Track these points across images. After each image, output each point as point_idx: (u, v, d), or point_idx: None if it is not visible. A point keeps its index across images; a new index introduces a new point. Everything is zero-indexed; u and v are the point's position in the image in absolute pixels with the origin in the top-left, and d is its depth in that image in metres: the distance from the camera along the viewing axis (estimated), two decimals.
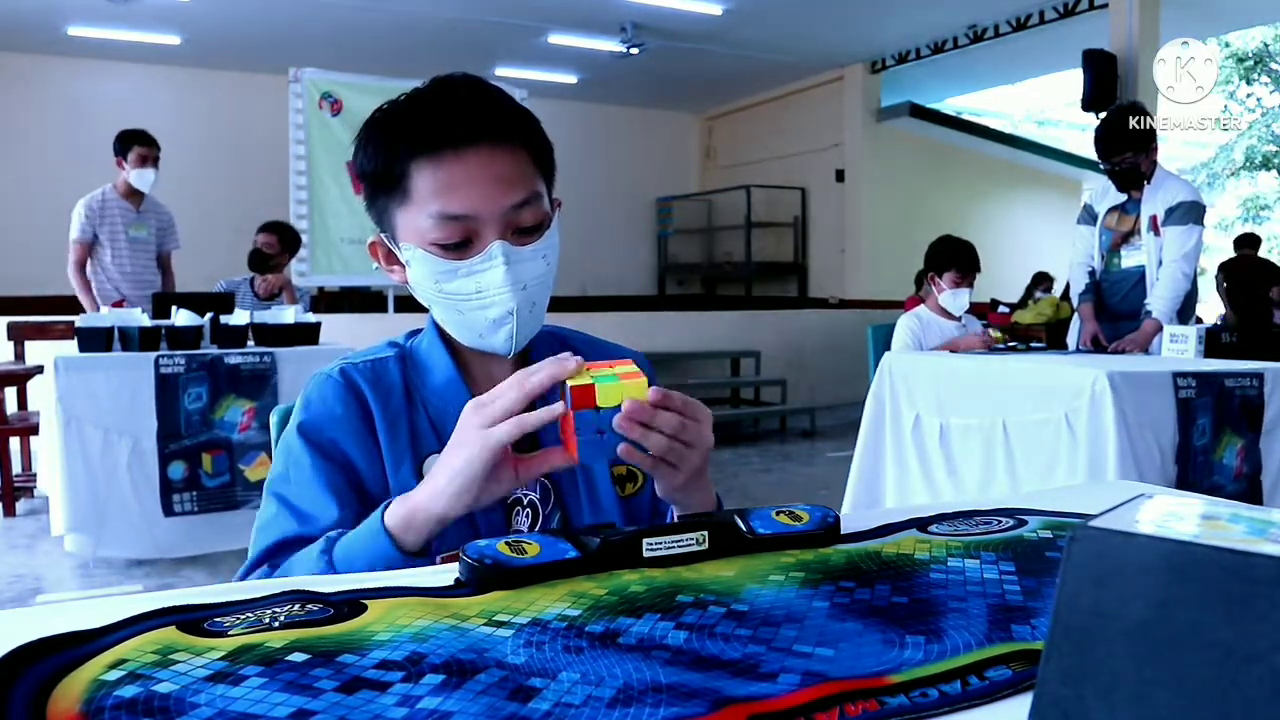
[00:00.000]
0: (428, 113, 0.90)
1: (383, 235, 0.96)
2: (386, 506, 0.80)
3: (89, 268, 4.55)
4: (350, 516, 0.88)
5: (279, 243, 4.60)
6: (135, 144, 4.40)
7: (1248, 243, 9.09)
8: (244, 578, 0.87)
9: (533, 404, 0.99)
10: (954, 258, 3.53)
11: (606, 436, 0.73)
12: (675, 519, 0.90)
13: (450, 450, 0.78)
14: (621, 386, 0.73)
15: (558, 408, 0.75)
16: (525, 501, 0.96)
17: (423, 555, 0.79)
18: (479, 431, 0.75)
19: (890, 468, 3.16)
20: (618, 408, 0.73)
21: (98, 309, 4.12)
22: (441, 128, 0.89)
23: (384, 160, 0.91)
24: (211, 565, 3.30)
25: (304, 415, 0.93)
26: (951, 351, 3.36)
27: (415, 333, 1.03)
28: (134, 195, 4.51)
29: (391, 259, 0.97)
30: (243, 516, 3.31)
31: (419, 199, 0.90)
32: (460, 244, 0.90)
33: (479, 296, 0.91)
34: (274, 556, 0.87)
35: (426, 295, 0.95)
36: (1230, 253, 8.97)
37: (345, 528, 0.86)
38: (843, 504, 3.24)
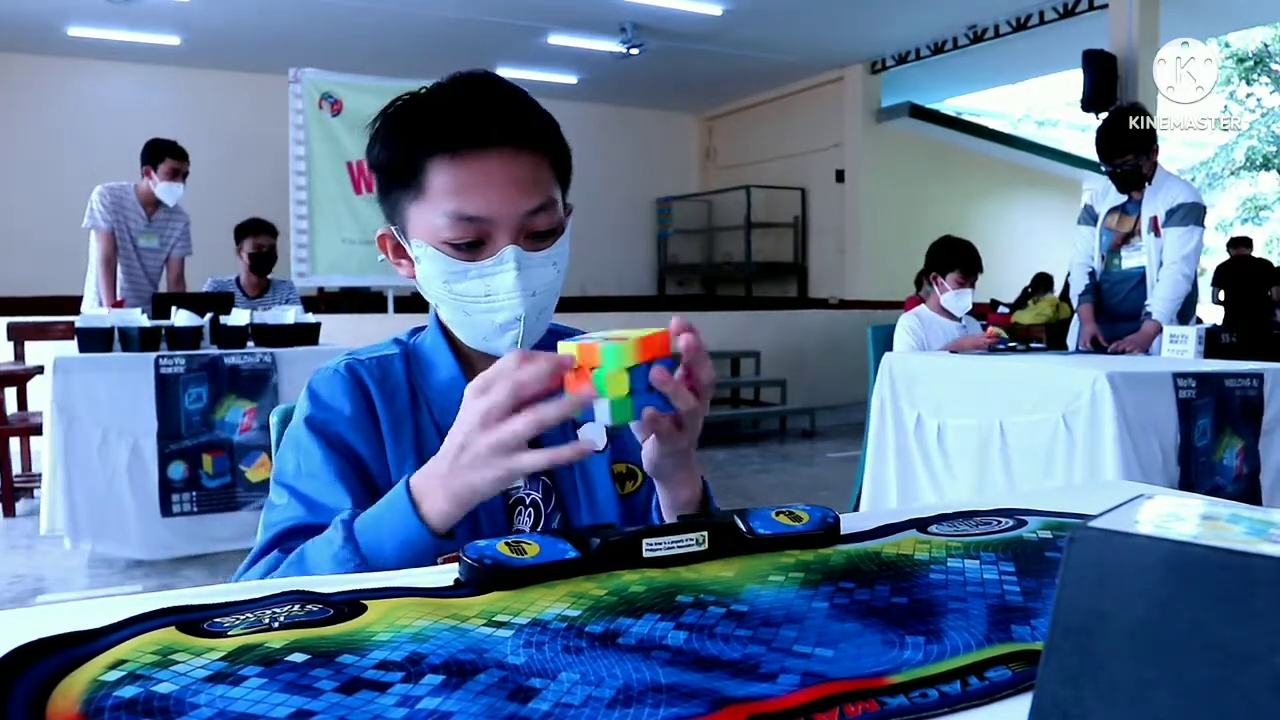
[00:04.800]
0: (451, 109, 0.89)
1: (393, 229, 0.95)
2: (407, 484, 0.77)
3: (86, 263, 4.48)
4: (363, 507, 0.86)
5: (274, 241, 4.60)
6: (168, 156, 4.28)
7: (1241, 243, 9.13)
8: (251, 564, 0.85)
9: None
10: (957, 258, 3.53)
11: (634, 394, 0.71)
12: (658, 505, 0.89)
13: (470, 467, 0.73)
14: (639, 344, 0.71)
15: (582, 447, 0.73)
16: (528, 501, 0.96)
17: (449, 538, 0.76)
18: (503, 460, 0.72)
19: (894, 469, 3.16)
20: (646, 366, 0.71)
21: (120, 307, 4.05)
22: (464, 126, 0.87)
23: (401, 154, 0.89)
24: (211, 565, 3.30)
25: (311, 409, 0.92)
26: (953, 353, 3.36)
27: (419, 329, 1.02)
28: (151, 204, 4.41)
29: (400, 253, 0.95)
30: (245, 516, 3.31)
31: (434, 196, 0.88)
32: (473, 245, 0.89)
33: (487, 300, 0.90)
34: (283, 542, 0.85)
35: (434, 293, 0.93)
36: (1224, 254, 9.01)
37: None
38: (860, 507, 3.23)
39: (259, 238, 4.52)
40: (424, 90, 0.91)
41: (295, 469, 0.90)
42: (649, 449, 0.82)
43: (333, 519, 0.81)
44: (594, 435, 0.73)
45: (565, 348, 0.73)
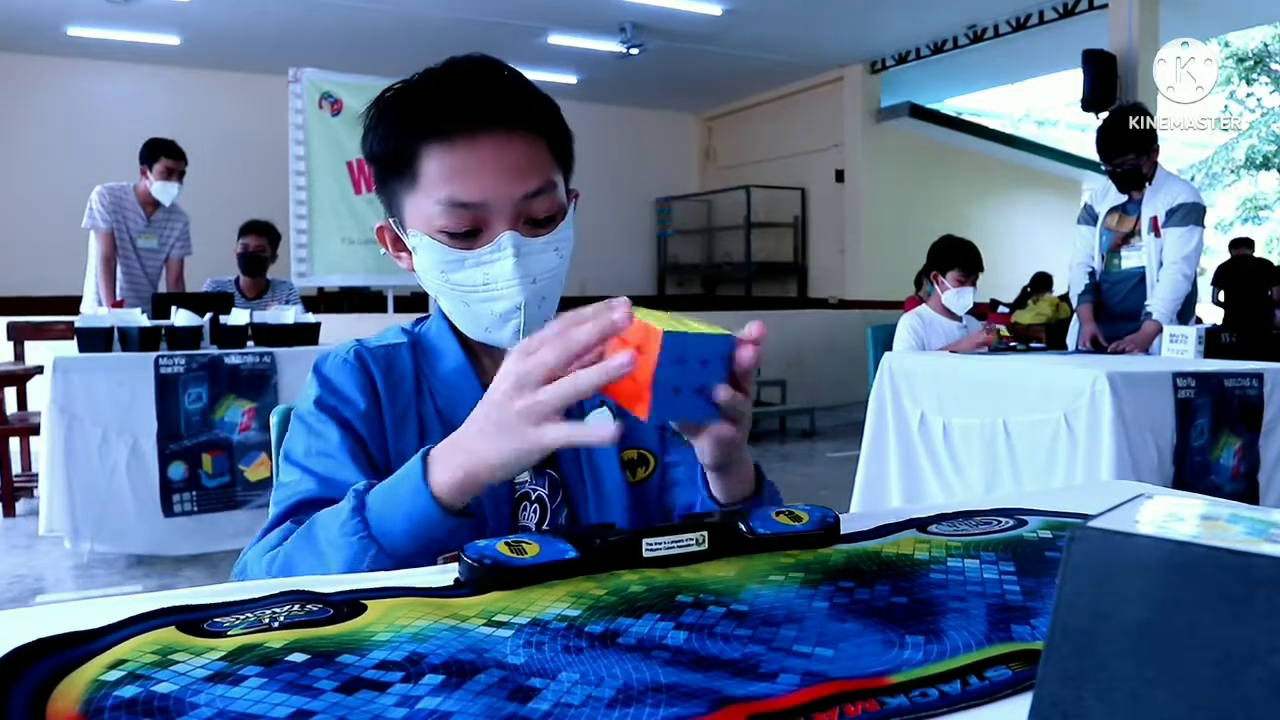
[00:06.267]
0: (441, 94, 0.87)
1: (391, 220, 0.93)
2: (425, 455, 0.73)
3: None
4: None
5: (269, 244, 4.57)
6: (163, 155, 4.28)
7: (1243, 243, 9.13)
8: (262, 537, 0.84)
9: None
10: (958, 257, 3.53)
11: (682, 394, 0.67)
12: (702, 485, 0.84)
13: (491, 434, 0.69)
14: (709, 337, 0.67)
15: (614, 371, 0.63)
16: (533, 497, 0.94)
17: (467, 515, 0.74)
18: (528, 430, 0.67)
19: (896, 468, 3.16)
20: (702, 364, 0.67)
21: (119, 307, 4.04)
22: (455, 110, 0.85)
23: (394, 142, 0.88)
24: (211, 565, 3.30)
25: (321, 392, 0.90)
26: (952, 352, 3.36)
27: (423, 318, 1.00)
28: (151, 204, 4.40)
29: (399, 245, 0.94)
30: (243, 516, 3.31)
31: (428, 184, 0.86)
32: (469, 233, 0.87)
33: (486, 288, 0.88)
34: (296, 514, 0.83)
35: (432, 284, 0.91)
36: (1225, 254, 9.01)
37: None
38: (851, 506, 3.22)
39: (245, 238, 4.50)
40: (417, 76, 0.90)
41: (306, 449, 0.88)
42: (704, 449, 0.78)
43: (342, 494, 0.77)
44: (602, 423, 0.68)
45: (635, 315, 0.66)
